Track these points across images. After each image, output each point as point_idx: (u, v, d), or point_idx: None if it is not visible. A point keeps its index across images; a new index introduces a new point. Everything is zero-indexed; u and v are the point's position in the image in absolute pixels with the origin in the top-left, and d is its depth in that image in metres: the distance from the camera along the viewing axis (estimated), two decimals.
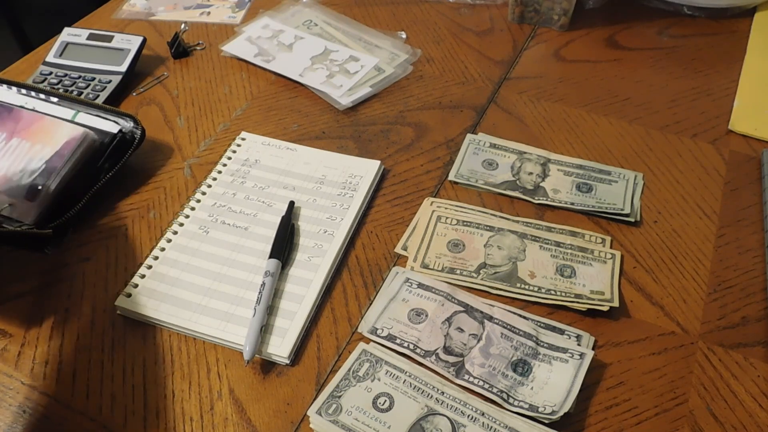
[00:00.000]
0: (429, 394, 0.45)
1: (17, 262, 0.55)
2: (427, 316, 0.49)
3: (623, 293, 0.51)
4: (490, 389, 0.45)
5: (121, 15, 0.85)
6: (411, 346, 0.47)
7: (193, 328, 0.49)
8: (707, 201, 0.58)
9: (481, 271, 0.52)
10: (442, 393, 0.45)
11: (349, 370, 0.46)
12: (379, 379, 0.45)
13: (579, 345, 0.47)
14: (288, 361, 0.48)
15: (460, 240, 0.55)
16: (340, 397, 0.44)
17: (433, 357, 0.47)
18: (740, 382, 0.46)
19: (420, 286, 0.51)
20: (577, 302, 0.50)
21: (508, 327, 0.48)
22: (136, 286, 0.52)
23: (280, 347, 0.48)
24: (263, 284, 0.51)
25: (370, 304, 0.51)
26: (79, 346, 0.50)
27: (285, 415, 0.45)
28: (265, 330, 0.49)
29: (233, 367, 0.48)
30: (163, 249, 0.55)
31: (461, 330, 0.48)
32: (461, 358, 0.47)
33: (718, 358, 0.47)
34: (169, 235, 0.56)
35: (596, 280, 0.52)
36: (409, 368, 0.46)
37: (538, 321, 0.49)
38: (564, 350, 0.47)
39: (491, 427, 0.43)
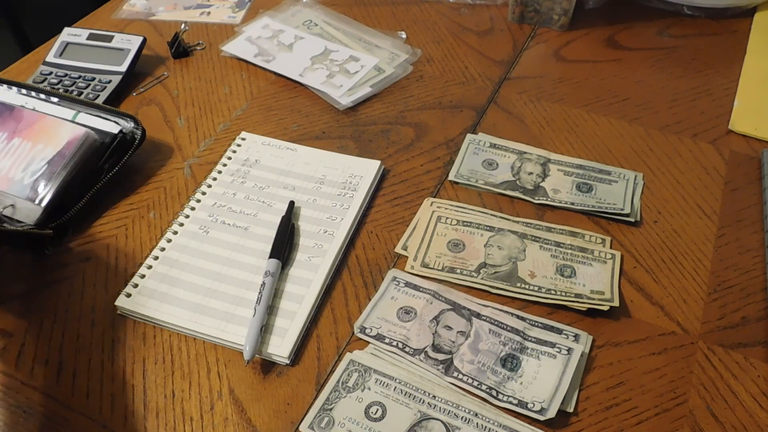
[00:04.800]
0: (421, 399, 0.44)
1: (17, 262, 0.55)
2: (415, 314, 0.49)
3: (623, 293, 0.51)
4: (479, 386, 0.45)
5: (121, 15, 0.85)
6: (399, 345, 0.47)
7: (193, 328, 0.50)
8: (707, 201, 0.58)
9: (481, 271, 0.52)
10: (434, 397, 0.44)
11: (338, 381, 0.46)
12: (369, 389, 0.45)
13: (569, 341, 0.47)
14: (288, 361, 0.48)
15: (460, 240, 0.55)
16: (331, 409, 0.44)
17: (422, 355, 0.47)
18: (740, 382, 0.46)
19: (407, 284, 0.52)
20: (577, 302, 0.50)
21: (496, 323, 0.48)
22: (136, 286, 0.52)
23: (280, 347, 0.48)
24: (263, 284, 0.51)
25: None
26: (79, 346, 0.50)
27: (285, 415, 0.45)
28: (265, 330, 0.49)
29: (233, 367, 0.48)
30: (163, 249, 0.55)
31: (449, 328, 0.48)
32: (450, 356, 0.47)
33: (718, 358, 0.47)
34: (169, 235, 0.56)
35: (596, 280, 0.52)
36: (399, 375, 0.46)
37: (536, 321, 0.49)
38: (552, 345, 0.47)
39: (485, 427, 0.43)
